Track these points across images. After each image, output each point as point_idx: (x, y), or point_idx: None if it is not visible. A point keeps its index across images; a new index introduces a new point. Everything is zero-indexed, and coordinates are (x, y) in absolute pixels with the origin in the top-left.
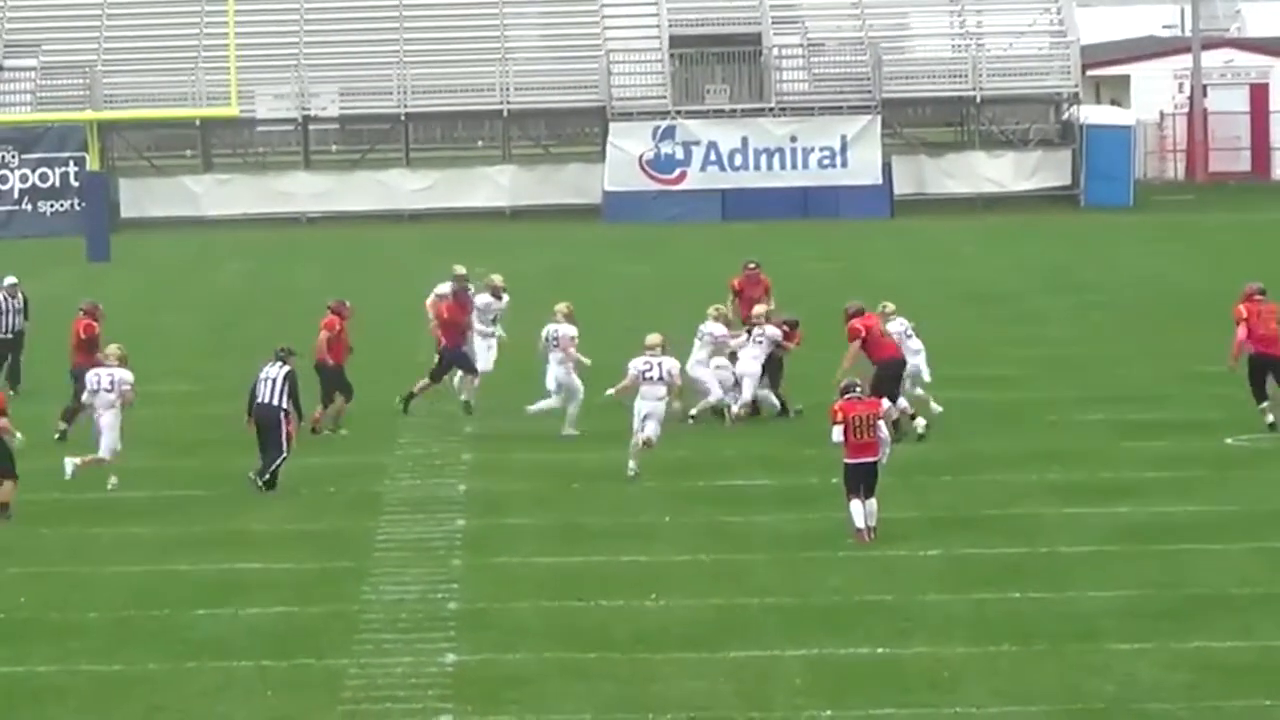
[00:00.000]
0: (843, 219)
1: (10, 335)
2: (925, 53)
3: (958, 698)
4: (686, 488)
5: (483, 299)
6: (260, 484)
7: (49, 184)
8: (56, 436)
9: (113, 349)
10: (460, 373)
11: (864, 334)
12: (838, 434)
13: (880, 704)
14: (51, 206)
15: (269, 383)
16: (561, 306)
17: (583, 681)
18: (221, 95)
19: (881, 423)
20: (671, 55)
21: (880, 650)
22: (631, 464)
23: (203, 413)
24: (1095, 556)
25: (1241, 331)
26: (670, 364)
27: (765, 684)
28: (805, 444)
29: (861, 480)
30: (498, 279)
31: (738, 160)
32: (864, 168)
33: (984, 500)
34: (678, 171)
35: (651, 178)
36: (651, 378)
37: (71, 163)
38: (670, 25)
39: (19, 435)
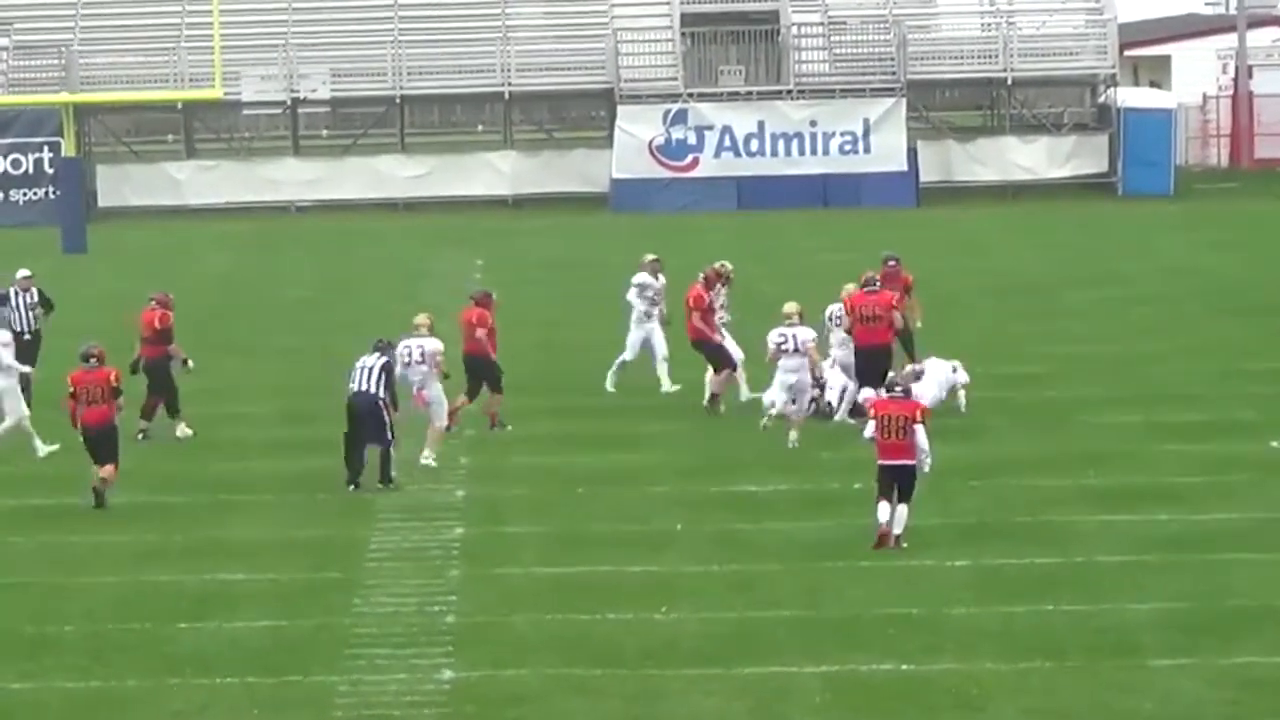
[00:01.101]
0: (865, 208)
1: (29, 336)
2: (953, 31)
3: (987, 717)
4: (698, 493)
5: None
6: (380, 485)
7: (21, 170)
8: (140, 437)
9: (422, 318)
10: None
11: (850, 310)
12: (869, 430)
13: None
14: (24, 195)
15: (365, 371)
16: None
17: (587, 699)
18: (205, 77)
19: (920, 428)
20: (683, 34)
21: (904, 667)
22: (792, 435)
23: (186, 413)
24: (1132, 567)
25: None
26: (805, 334)
27: (781, 702)
28: (823, 446)
29: (891, 483)
30: (726, 265)
31: (754, 146)
32: (888, 153)
33: (1014, 507)
34: (690, 158)
35: (662, 164)
36: (787, 350)
37: (46, 148)
38: (682, 2)
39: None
